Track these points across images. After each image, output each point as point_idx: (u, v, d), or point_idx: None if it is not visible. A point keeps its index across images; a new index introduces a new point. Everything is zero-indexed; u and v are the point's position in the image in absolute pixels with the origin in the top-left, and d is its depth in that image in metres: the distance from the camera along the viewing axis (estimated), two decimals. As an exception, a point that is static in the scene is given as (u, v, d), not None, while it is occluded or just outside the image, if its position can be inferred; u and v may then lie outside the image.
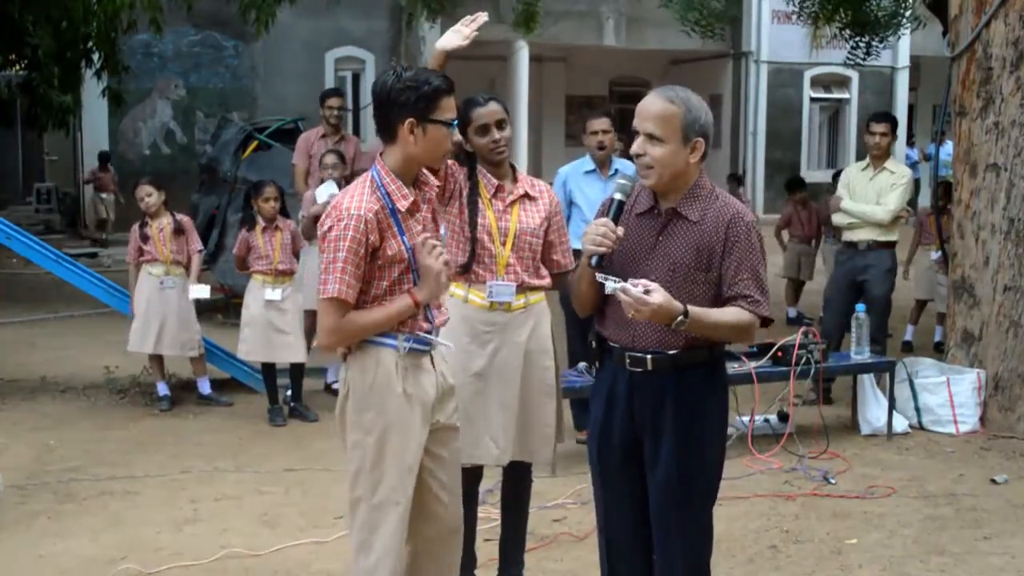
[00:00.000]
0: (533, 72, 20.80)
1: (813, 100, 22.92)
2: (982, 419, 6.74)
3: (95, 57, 12.48)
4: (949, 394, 6.68)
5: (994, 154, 6.77)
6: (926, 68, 22.88)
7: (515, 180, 4.09)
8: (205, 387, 7.46)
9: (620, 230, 3.08)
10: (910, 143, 22.11)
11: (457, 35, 3.87)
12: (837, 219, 7.46)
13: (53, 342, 9.60)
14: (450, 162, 3.87)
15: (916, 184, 15.45)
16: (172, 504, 5.38)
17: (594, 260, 3.07)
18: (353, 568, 3.34)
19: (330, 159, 7.29)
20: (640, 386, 3.18)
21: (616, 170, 6.27)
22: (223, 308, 10.48)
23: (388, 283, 3.23)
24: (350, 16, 18.82)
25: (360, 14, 18.93)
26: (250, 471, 5.93)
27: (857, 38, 10.53)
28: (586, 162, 6.47)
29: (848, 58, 10.85)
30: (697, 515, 3.21)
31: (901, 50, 21.35)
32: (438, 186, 3.50)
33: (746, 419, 6.23)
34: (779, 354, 6.30)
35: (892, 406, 6.65)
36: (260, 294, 6.97)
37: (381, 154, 3.30)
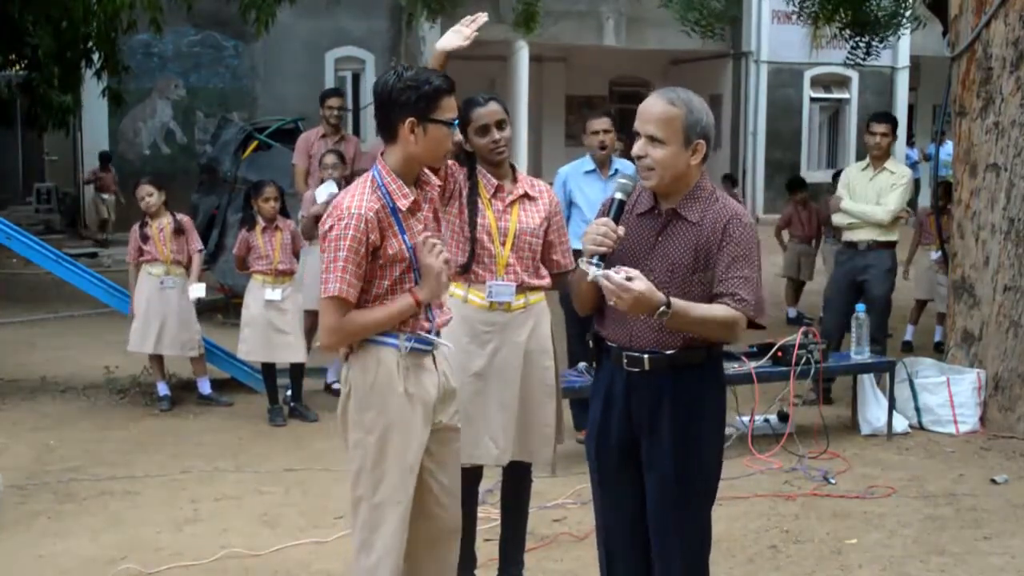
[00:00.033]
0: (533, 72, 20.80)
1: (813, 100, 22.92)
2: (982, 419, 6.74)
3: (95, 57, 12.47)
4: (949, 394, 6.68)
5: (994, 154, 6.77)
6: (926, 68, 22.87)
7: (515, 180, 4.09)
8: (205, 387, 7.46)
9: (621, 230, 3.07)
10: (910, 143, 22.11)
11: (457, 35, 3.88)
12: (837, 219, 7.46)
13: (53, 342, 9.60)
14: (450, 162, 3.88)
15: (916, 184, 15.45)
16: (172, 504, 5.38)
17: (595, 260, 3.06)
18: (354, 567, 3.34)
19: (330, 159, 7.29)
20: (637, 386, 3.18)
21: (616, 170, 6.28)
22: (223, 308, 10.48)
23: (389, 282, 3.23)
24: (350, 16, 18.82)
25: (360, 14, 18.93)
26: (250, 471, 5.93)
27: (857, 38, 10.53)
28: (586, 162, 6.47)
29: (848, 58, 10.85)
30: (695, 515, 3.21)
31: (901, 50, 21.34)
32: (439, 185, 3.50)
33: (746, 419, 6.23)
34: (779, 354, 6.30)
35: (892, 406, 6.65)
36: (260, 294, 6.97)
37: (382, 154, 3.30)
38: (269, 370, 7.10)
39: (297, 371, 7.14)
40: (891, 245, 7.30)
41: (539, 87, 21.87)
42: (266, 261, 6.97)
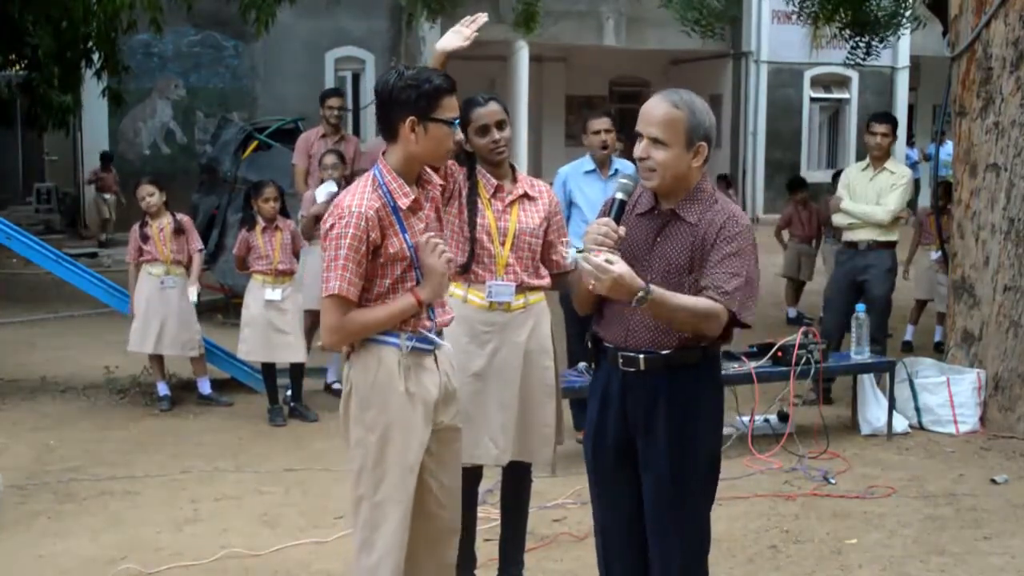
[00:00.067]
0: (533, 72, 20.80)
1: (813, 100, 22.92)
2: (982, 419, 6.74)
3: (95, 57, 12.47)
4: (949, 394, 6.68)
5: (994, 154, 6.77)
6: (926, 68, 22.87)
7: (514, 180, 4.09)
8: (205, 387, 7.46)
9: (622, 229, 3.07)
10: (910, 143, 22.10)
11: (457, 36, 3.88)
12: (837, 219, 7.46)
13: (53, 342, 9.60)
14: (450, 162, 3.88)
15: (916, 184, 15.44)
16: (172, 504, 5.38)
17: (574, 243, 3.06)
18: (355, 567, 3.35)
19: (330, 159, 7.29)
20: (633, 386, 3.18)
21: (616, 170, 6.27)
22: (223, 308, 10.48)
23: (391, 281, 3.24)
24: (350, 16, 18.82)
25: (360, 14, 18.93)
26: (250, 471, 5.93)
27: (857, 38, 10.52)
28: (586, 162, 6.47)
29: (848, 58, 10.85)
30: (691, 515, 3.21)
31: (901, 50, 21.34)
32: (441, 185, 3.51)
33: (746, 419, 6.23)
34: (779, 354, 6.30)
35: (892, 406, 6.65)
36: (260, 294, 6.97)
37: (384, 153, 3.31)
38: (269, 370, 7.10)
39: (297, 371, 7.14)
40: (891, 245, 7.30)
41: (539, 87, 21.87)
42: (266, 261, 6.97)
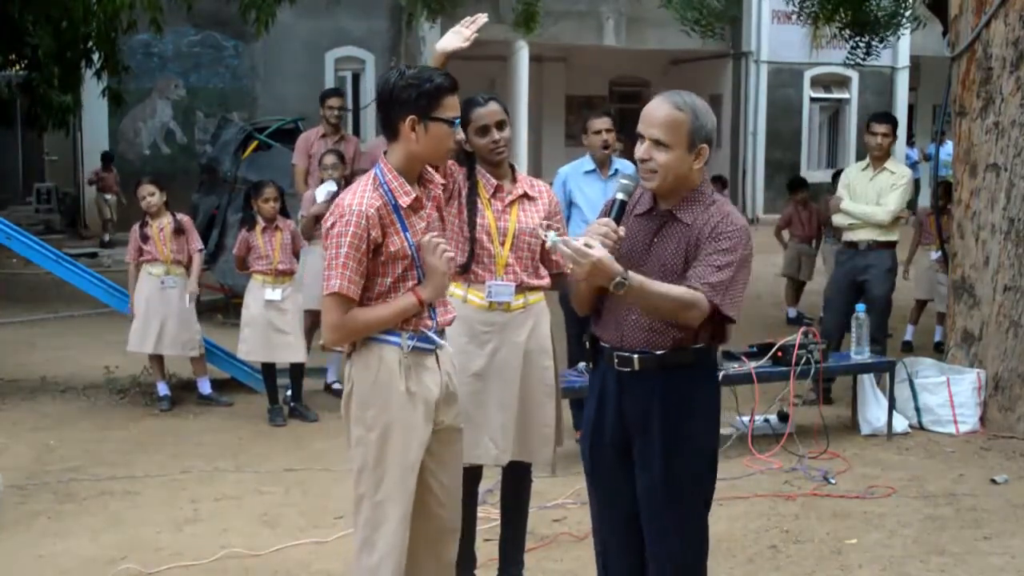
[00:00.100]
0: (533, 72, 20.80)
1: (813, 100, 22.92)
2: (982, 419, 6.74)
3: (95, 57, 12.47)
4: (949, 394, 6.68)
5: (994, 154, 6.77)
6: (926, 68, 22.87)
7: (514, 180, 4.09)
8: (205, 387, 7.46)
9: (622, 230, 3.07)
10: (910, 143, 22.11)
11: (457, 36, 3.88)
12: (837, 220, 7.46)
13: (53, 342, 9.60)
14: (449, 162, 3.88)
15: (916, 184, 15.45)
16: (172, 504, 5.38)
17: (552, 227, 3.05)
18: (356, 566, 3.34)
19: (329, 159, 7.29)
20: (628, 386, 3.18)
21: (616, 170, 6.27)
22: (223, 308, 10.48)
23: (392, 279, 3.24)
24: (350, 16, 18.82)
25: (360, 14, 18.93)
26: (250, 471, 5.93)
27: (857, 38, 10.53)
28: (586, 162, 6.46)
29: (848, 58, 10.86)
30: (687, 515, 3.19)
31: (901, 50, 21.35)
32: (443, 184, 3.51)
33: (746, 419, 6.23)
34: (779, 354, 6.30)
35: (892, 406, 6.65)
36: (260, 294, 6.97)
37: (385, 152, 3.32)
38: (269, 370, 7.10)
39: (297, 371, 7.14)
40: (891, 245, 7.30)
41: (539, 87, 21.87)
42: (266, 261, 6.97)
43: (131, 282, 7.35)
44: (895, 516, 5.22)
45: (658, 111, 3.10)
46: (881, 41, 10.62)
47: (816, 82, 22.72)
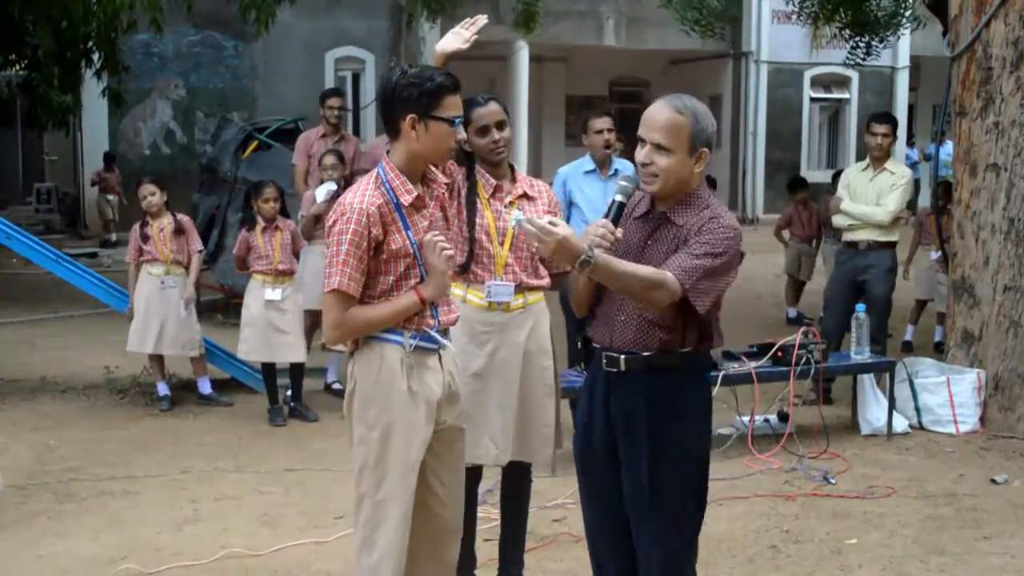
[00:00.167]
0: (533, 72, 20.81)
1: (813, 100, 22.92)
2: (982, 419, 6.74)
3: (95, 57, 12.47)
4: (949, 394, 6.68)
5: (994, 154, 6.77)
6: (926, 68, 22.87)
7: (514, 180, 4.09)
8: (205, 387, 7.46)
9: (619, 232, 3.07)
10: (910, 143, 22.10)
11: (457, 37, 3.88)
12: (837, 220, 7.46)
13: (53, 342, 9.60)
14: (449, 162, 3.88)
15: (916, 184, 15.45)
16: (172, 504, 5.38)
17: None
18: (356, 566, 3.35)
19: (329, 159, 7.29)
20: (616, 387, 3.18)
21: (616, 170, 6.28)
22: (223, 308, 10.48)
23: (394, 278, 3.25)
24: (350, 16, 18.82)
25: (360, 14, 18.93)
26: (250, 471, 5.93)
27: (857, 38, 10.53)
28: (586, 162, 6.46)
29: (848, 58, 10.86)
30: (673, 518, 3.16)
31: (901, 50, 21.34)
32: (446, 184, 3.52)
33: (746, 419, 6.23)
34: (779, 354, 6.30)
35: (892, 406, 6.65)
36: (260, 294, 6.97)
37: (388, 151, 3.32)
38: (269, 370, 7.09)
39: (297, 371, 7.14)
40: (891, 245, 7.30)
41: (539, 87, 21.88)
42: (266, 261, 6.97)
43: (131, 282, 7.35)
44: (895, 516, 5.22)
45: (659, 115, 3.09)
46: (881, 41, 10.62)
47: (816, 82, 22.72)
